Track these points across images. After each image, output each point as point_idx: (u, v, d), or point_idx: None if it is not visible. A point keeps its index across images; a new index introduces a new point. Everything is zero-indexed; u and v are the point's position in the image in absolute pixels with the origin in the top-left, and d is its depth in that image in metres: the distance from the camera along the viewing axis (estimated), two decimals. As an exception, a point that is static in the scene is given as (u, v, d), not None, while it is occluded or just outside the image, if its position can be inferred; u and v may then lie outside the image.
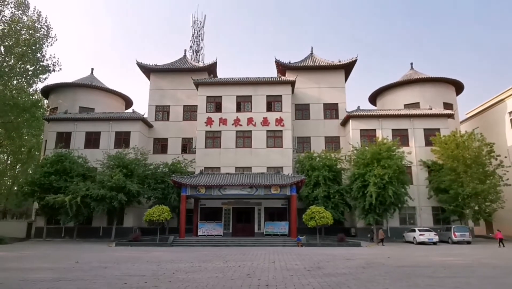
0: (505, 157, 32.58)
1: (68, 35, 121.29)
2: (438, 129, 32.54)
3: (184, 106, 37.51)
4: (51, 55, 35.19)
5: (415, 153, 32.27)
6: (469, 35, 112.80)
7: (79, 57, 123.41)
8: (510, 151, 34.34)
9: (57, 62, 33.24)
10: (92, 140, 34.64)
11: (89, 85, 39.57)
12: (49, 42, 32.51)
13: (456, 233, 26.67)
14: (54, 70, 33.01)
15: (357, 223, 30.54)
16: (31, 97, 36.59)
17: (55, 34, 33.47)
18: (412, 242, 26.94)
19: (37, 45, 31.34)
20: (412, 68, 40.98)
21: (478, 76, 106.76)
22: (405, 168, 29.57)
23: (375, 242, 27.04)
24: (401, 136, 32.36)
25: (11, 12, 30.29)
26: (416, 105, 36.89)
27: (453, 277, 10.52)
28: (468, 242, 26.61)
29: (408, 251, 20.43)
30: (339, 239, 25.85)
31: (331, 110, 36.48)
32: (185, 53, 42.28)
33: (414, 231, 27.26)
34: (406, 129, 33.19)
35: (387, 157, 27.94)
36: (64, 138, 34.35)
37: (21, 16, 30.75)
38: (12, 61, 30.62)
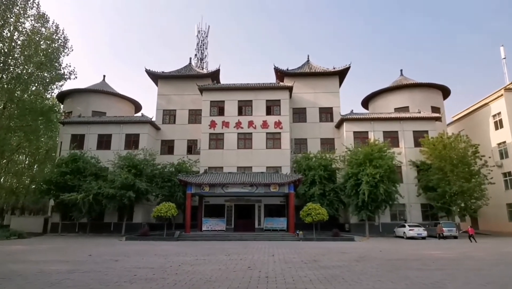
0: (489, 157, 32.57)
1: (82, 43, 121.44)
2: (426, 132, 32.46)
3: (189, 110, 37.46)
4: (67, 64, 35.09)
5: (405, 153, 32.17)
6: (457, 43, 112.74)
7: (92, 64, 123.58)
8: (494, 151, 34.27)
9: (73, 71, 33.26)
10: (104, 142, 34.63)
11: (101, 91, 39.60)
12: (66, 52, 32.58)
13: (444, 228, 26.53)
14: (70, 78, 33.01)
15: (351, 219, 30.43)
16: (47, 102, 36.59)
17: (71, 45, 33.52)
18: (402, 237, 26.80)
19: (55, 55, 31.42)
20: (402, 74, 40.91)
21: (464, 81, 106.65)
22: (395, 168, 29.46)
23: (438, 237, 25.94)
24: (392, 138, 32.21)
25: (31, 25, 30.49)
26: (405, 109, 36.80)
27: (441, 270, 10.50)
28: (455, 237, 26.49)
29: (398, 245, 20.36)
30: (334, 234, 25.73)
31: (326, 114, 36.39)
32: (190, 61, 42.27)
33: (404, 226, 27.14)
34: (396, 132, 33.08)
35: (379, 157, 27.84)
36: (78, 140, 34.36)
37: (40, 28, 30.89)
38: (30, 69, 30.69)
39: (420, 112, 34.16)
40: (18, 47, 29.64)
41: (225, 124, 33.62)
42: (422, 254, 15.24)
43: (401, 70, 41.08)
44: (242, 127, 33.51)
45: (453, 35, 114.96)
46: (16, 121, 32.47)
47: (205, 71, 41.84)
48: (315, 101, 36.59)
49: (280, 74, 37.68)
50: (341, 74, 37.41)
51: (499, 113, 34.11)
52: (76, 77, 33.19)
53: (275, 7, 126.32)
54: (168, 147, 36.67)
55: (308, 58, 40.13)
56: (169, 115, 37.75)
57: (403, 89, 38.23)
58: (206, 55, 57.54)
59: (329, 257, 13.70)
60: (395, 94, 38.66)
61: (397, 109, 37.14)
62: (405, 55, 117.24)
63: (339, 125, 35.11)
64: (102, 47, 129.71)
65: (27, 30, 30.19)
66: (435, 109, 36.83)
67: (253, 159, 32.58)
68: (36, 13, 30.57)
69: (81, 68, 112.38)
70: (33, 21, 30.55)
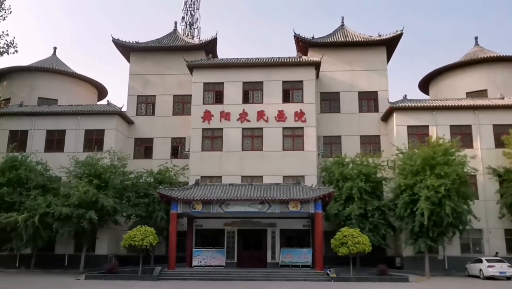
0: None
1: (23, 5, 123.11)
2: (513, 126, 32.20)
3: (175, 96, 37.67)
4: (3, 32, 35.46)
5: (481, 156, 31.96)
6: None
7: (39, 33, 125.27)
8: None
9: (12, 42, 33.49)
10: (55, 141, 35.00)
11: (50, 69, 40.05)
12: (1, 16, 32.92)
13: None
14: (7, 53, 33.27)
15: (404, 250, 30.29)
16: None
17: (10, 6, 33.78)
18: (478, 276, 26.63)
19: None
20: (476, 44, 40.82)
21: None
22: (468, 177, 29.24)
23: None
24: (463, 135, 32.14)
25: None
26: (482, 93, 36.66)
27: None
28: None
29: (473, 288, 20.13)
30: (379, 271, 25.69)
31: (368, 100, 36.35)
32: (175, 26, 42.52)
33: (480, 261, 26.95)
34: (469, 126, 32.91)
35: (444, 162, 27.60)
36: (18, 139, 34.73)
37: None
38: (-48, 39, 31.11)
39: (503, 98, 33.96)
40: None
41: (225, 115, 33.71)
42: (509, 302, 15.02)
43: (476, 38, 41.05)
44: (248, 120, 33.59)
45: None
46: None
47: (196, 41, 42.00)
48: (352, 82, 36.50)
49: (303, 44, 37.66)
50: (389, 44, 37.24)
51: None
52: (16, 51, 33.19)
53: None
54: (144, 148, 36.90)
55: (342, 22, 40.15)
56: (145, 104, 37.99)
57: (479, 66, 38.01)
58: (198, 19, 57.06)
59: (374, 306, 13.57)
60: (467, 73, 38.49)
61: (470, 94, 37.02)
62: (481, 16, 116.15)
63: (387, 117, 35.00)
64: (54, 11, 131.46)
65: None
66: (526, 93, 36.43)
67: (264, 165, 32.63)
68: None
69: (23, 38, 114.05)
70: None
